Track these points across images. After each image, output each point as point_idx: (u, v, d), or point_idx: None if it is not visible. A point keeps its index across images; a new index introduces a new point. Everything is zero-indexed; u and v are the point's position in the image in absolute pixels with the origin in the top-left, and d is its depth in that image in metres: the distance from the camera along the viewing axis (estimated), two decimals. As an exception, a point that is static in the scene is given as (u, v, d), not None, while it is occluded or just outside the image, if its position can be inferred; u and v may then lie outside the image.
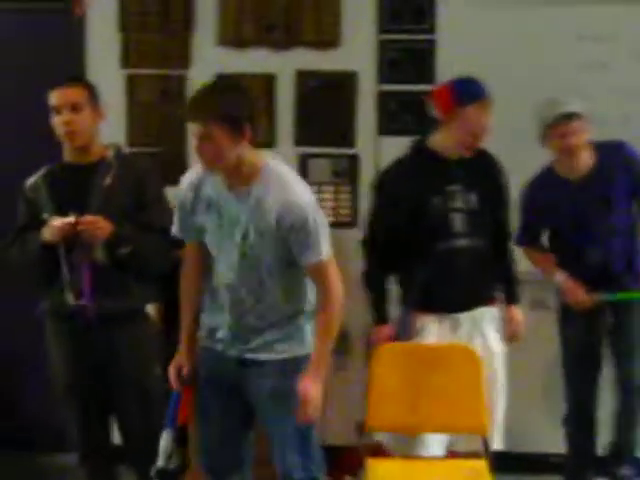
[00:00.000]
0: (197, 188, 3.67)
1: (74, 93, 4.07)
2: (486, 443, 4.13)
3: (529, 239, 4.66)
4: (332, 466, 5.14)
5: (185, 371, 3.76)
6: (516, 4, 5.02)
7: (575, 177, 4.51)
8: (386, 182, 4.35)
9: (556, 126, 4.38)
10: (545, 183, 4.57)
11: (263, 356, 3.68)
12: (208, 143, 3.46)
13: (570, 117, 4.36)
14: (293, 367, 3.65)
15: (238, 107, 3.51)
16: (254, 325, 3.67)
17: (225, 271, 3.66)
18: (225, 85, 3.77)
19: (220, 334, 3.73)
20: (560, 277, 4.54)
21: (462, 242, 4.23)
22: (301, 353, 3.68)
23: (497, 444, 4.34)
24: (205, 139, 3.45)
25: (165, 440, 3.76)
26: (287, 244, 3.56)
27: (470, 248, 4.24)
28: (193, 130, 3.48)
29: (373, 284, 4.40)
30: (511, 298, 4.46)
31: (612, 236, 4.50)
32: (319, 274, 3.62)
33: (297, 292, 3.68)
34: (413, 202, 4.20)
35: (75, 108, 4.06)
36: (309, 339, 3.69)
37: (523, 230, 4.63)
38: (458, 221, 4.23)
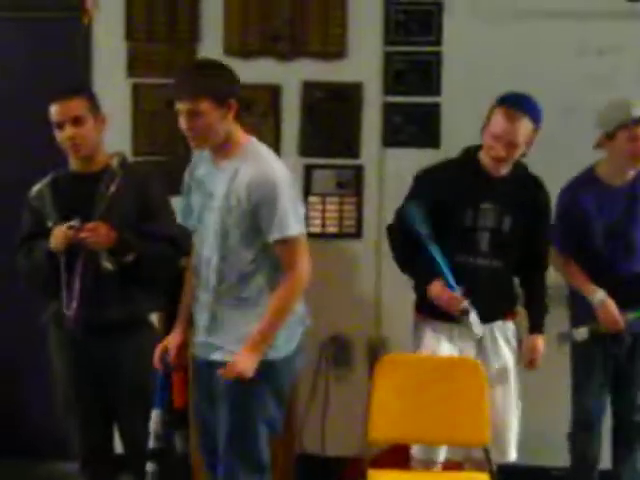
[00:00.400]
0: (192, 170, 3.81)
1: (75, 106, 4.04)
2: (488, 455, 4.11)
3: (570, 247, 4.57)
4: (333, 477, 5.18)
5: (171, 354, 3.84)
6: (521, 18, 5.03)
7: (618, 183, 4.49)
8: (427, 180, 4.29)
9: (629, 128, 4.35)
10: (586, 186, 4.52)
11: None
12: (197, 119, 3.55)
13: None
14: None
15: (223, 81, 3.61)
16: (214, 307, 3.70)
17: (202, 245, 3.73)
18: (208, 63, 3.85)
19: (198, 325, 3.79)
20: (600, 295, 4.45)
21: (482, 262, 4.19)
22: (264, 358, 3.65)
23: (511, 456, 4.32)
24: (194, 115, 3.54)
25: (153, 421, 3.83)
26: (256, 220, 3.59)
27: (488, 268, 4.20)
28: (181, 109, 3.56)
29: (406, 260, 4.31)
30: (536, 327, 4.36)
31: None
32: (285, 251, 3.63)
33: (258, 278, 3.66)
34: (445, 211, 4.16)
35: (77, 121, 4.03)
36: (278, 344, 3.68)
37: (563, 236, 4.55)
38: (484, 240, 4.19)
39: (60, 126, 4.05)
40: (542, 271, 4.40)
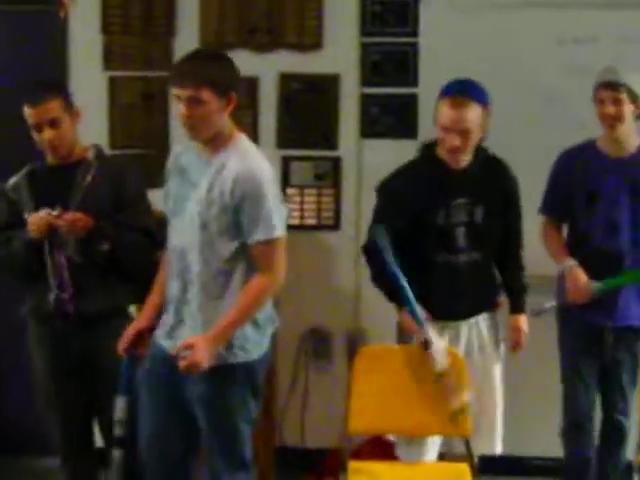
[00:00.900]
0: (177, 158, 3.75)
1: (51, 109, 4.01)
2: (469, 446, 4.11)
3: (551, 209, 4.56)
4: (313, 468, 5.18)
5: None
6: (498, 8, 5.03)
7: (614, 155, 4.42)
8: (391, 190, 4.22)
9: (597, 91, 4.34)
10: (581, 152, 4.47)
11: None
12: (197, 107, 3.50)
13: (612, 86, 4.30)
14: (224, 375, 3.60)
15: (226, 73, 3.59)
16: (184, 301, 3.65)
17: (177, 235, 3.68)
18: (212, 53, 3.82)
19: (166, 317, 3.73)
20: (570, 262, 4.41)
21: (462, 257, 4.16)
22: (234, 361, 3.62)
23: (497, 449, 4.32)
24: (194, 103, 3.49)
25: (118, 408, 3.79)
26: (237, 215, 3.54)
27: (469, 262, 4.17)
28: (181, 96, 3.51)
29: (383, 282, 4.20)
30: (517, 307, 4.37)
31: (628, 228, 4.40)
32: (266, 252, 3.57)
33: (235, 277, 3.60)
34: (417, 216, 4.10)
35: (54, 123, 4.02)
36: (251, 347, 3.64)
37: (547, 197, 4.55)
38: (461, 235, 4.15)
39: (38, 128, 4.04)
40: (517, 253, 4.38)
